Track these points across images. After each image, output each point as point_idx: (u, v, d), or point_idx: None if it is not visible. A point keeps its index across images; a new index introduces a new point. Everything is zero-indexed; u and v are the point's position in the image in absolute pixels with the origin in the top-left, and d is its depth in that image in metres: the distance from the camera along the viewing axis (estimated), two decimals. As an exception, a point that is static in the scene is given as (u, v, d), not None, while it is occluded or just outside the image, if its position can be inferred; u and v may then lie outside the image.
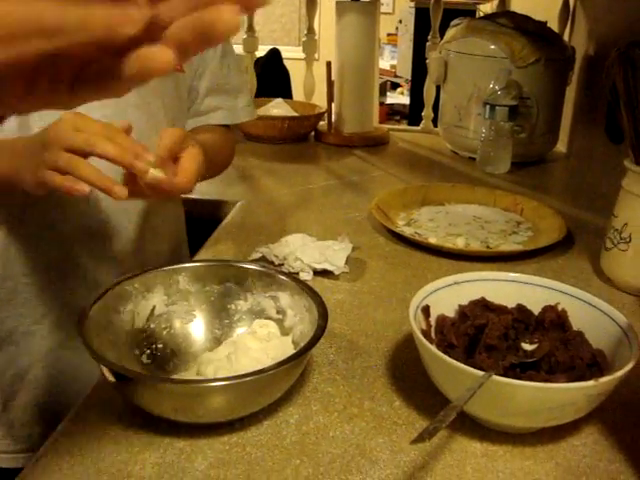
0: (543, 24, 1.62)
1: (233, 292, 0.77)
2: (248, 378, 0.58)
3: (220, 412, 0.62)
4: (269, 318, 0.75)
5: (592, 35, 1.65)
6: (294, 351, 0.68)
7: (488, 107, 1.48)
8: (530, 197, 1.26)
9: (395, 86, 4.89)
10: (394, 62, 4.68)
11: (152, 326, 0.74)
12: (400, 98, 4.69)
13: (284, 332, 0.73)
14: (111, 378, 0.61)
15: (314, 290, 0.72)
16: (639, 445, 0.64)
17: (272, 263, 0.94)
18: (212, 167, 0.93)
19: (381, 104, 3.75)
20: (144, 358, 0.71)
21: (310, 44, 1.93)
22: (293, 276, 0.78)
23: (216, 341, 0.75)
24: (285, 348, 0.69)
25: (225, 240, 1.08)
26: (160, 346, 0.73)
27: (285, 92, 3.36)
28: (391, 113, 4.42)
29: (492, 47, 1.53)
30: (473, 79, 1.57)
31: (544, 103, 1.56)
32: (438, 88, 1.78)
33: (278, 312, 0.75)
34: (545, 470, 0.60)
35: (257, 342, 0.70)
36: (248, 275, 0.77)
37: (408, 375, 0.73)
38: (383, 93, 4.53)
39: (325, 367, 0.74)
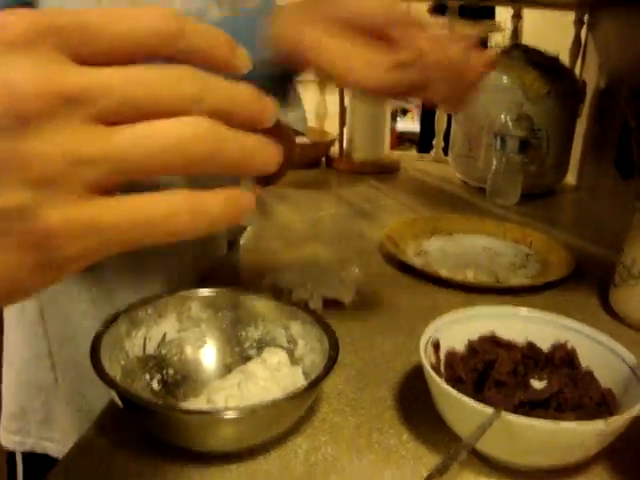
0: (554, 58, 1.63)
1: (244, 319, 0.77)
2: (260, 409, 0.59)
3: (230, 442, 0.62)
4: (279, 346, 0.75)
5: (603, 69, 1.67)
6: (304, 381, 0.68)
7: (499, 139, 1.49)
8: (539, 230, 1.27)
9: (404, 111, 4.92)
10: (405, 88, 4.71)
11: (163, 352, 0.74)
12: (409, 123, 4.71)
13: (294, 362, 0.74)
14: (120, 404, 0.61)
15: (325, 321, 0.73)
16: (647, 486, 0.64)
17: (281, 290, 0.95)
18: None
19: (391, 130, 3.77)
20: (154, 384, 0.72)
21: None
22: (304, 306, 0.78)
23: (227, 368, 0.75)
24: (295, 378, 0.69)
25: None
26: (171, 372, 0.73)
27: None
28: (401, 140, 4.45)
29: (504, 78, 1.54)
30: (485, 110, 1.58)
31: (555, 135, 1.58)
32: (449, 117, 1.80)
33: (289, 341, 0.75)
34: (553, 509, 0.60)
35: (267, 371, 0.70)
36: (258, 302, 0.77)
37: (416, 407, 0.73)
38: (393, 118, 4.56)
39: (334, 397, 0.74)
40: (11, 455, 0.99)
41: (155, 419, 0.61)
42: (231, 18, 0.72)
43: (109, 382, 0.61)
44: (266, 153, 0.29)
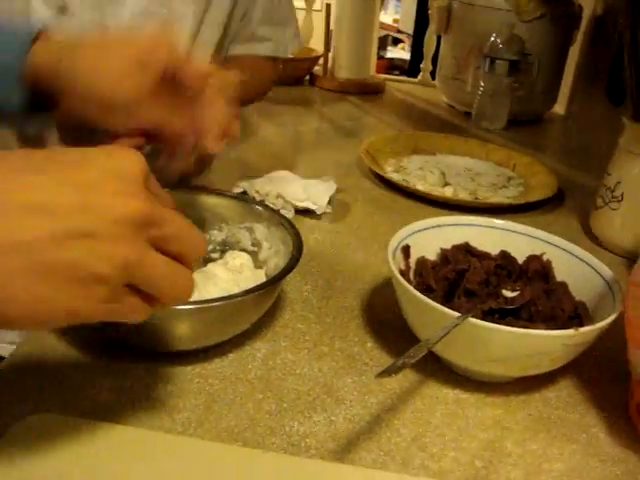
0: (552, -22, 1.56)
1: (208, 222, 0.74)
2: (213, 304, 0.56)
3: (184, 340, 0.60)
4: (244, 250, 0.72)
5: (601, -6, 1.60)
6: (266, 283, 0.65)
7: (488, 60, 1.43)
8: (524, 154, 1.23)
9: (396, 41, 4.80)
10: (397, 17, 4.59)
11: None
12: (401, 53, 4.61)
13: (258, 265, 0.71)
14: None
15: (291, 222, 0.69)
16: (612, 400, 0.62)
17: (253, 199, 0.91)
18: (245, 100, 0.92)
19: (381, 57, 3.68)
20: None
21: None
22: (270, 207, 0.75)
23: None
24: (257, 280, 0.66)
25: (207, 173, 1.05)
26: None
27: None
28: (391, 67, 4.34)
29: (497, -3, 1.48)
30: (475, 31, 1.52)
31: (546, 61, 1.52)
32: (439, 41, 1.73)
33: (253, 244, 0.72)
34: (515, 419, 0.58)
35: (228, 273, 0.67)
36: (223, 205, 0.74)
37: (383, 318, 0.71)
38: (384, 47, 4.45)
39: (298, 304, 0.72)
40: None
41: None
42: None
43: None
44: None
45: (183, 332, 0.59)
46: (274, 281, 0.60)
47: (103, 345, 0.62)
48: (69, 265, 0.35)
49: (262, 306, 0.63)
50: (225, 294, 0.63)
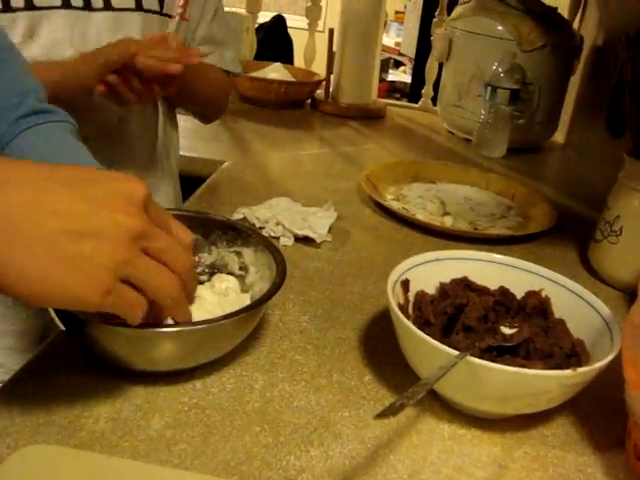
0: (553, 9, 1.58)
1: (199, 244, 0.74)
2: (194, 327, 0.57)
3: (163, 361, 0.60)
4: (231, 274, 0.73)
5: (602, 26, 1.62)
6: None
7: (489, 89, 1.45)
8: (523, 184, 1.24)
9: (398, 64, 4.83)
10: (399, 40, 4.62)
11: None
12: (402, 76, 4.64)
13: (244, 289, 0.71)
14: (60, 324, 0.59)
15: (276, 247, 0.70)
16: (609, 439, 0.62)
17: (253, 225, 0.92)
18: (204, 95, 1.09)
19: (382, 80, 3.70)
20: None
21: (314, 10, 1.89)
22: (257, 232, 0.75)
23: None
24: (241, 304, 0.66)
25: (208, 198, 1.05)
26: None
27: (287, 59, 3.30)
28: (392, 90, 4.37)
29: (499, 28, 1.49)
30: (476, 59, 1.53)
31: (546, 90, 1.53)
32: (440, 67, 1.74)
33: (241, 268, 0.73)
34: (512, 458, 0.58)
35: (214, 296, 0.67)
36: (215, 228, 0.74)
37: (381, 351, 0.71)
38: (385, 70, 4.48)
39: (296, 335, 0.72)
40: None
41: (87, 334, 0.59)
42: None
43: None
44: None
45: (164, 353, 0.59)
46: (252, 306, 0.62)
47: (100, 374, 0.62)
48: (78, 256, 0.45)
49: (244, 330, 0.64)
50: (209, 316, 0.63)
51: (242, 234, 0.73)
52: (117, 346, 0.58)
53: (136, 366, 0.60)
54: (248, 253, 0.72)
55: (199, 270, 0.74)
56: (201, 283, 0.72)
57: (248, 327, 0.65)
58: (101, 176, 0.49)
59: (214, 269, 0.74)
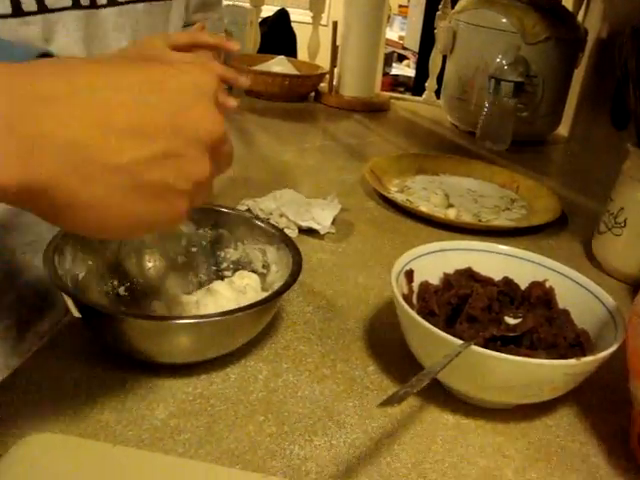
0: (558, 2, 1.57)
1: (225, 240, 0.74)
2: (205, 320, 0.57)
3: (176, 354, 0.61)
4: (254, 271, 0.73)
5: (606, 18, 1.61)
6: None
7: (493, 81, 1.44)
8: (527, 176, 1.24)
9: (402, 58, 4.82)
10: (403, 34, 4.61)
11: (134, 260, 0.71)
12: (406, 70, 4.63)
13: (265, 288, 0.71)
14: (74, 310, 0.58)
15: (296, 246, 0.70)
16: (613, 429, 0.62)
17: (257, 217, 0.92)
18: None
19: (386, 74, 3.70)
20: (121, 290, 0.69)
21: (317, 4, 1.89)
22: (280, 229, 0.75)
23: (199, 285, 0.73)
24: (258, 302, 0.67)
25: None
26: (141, 281, 0.71)
27: (290, 53, 3.30)
28: (395, 84, 4.36)
29: (503, 20, 1.49)
30: (480, 52, 1.52)
31: (550, 83, 1.53)
32: (444, 60, 1.74)
33: (264, 266, 0.73)
34: (516, 447, 0.58)
35: (232, 292, 0.67)
36: (241, 224, 0.74)
37: (385, 341, 0.71)
38: (389, 64, 4.48)
39: (300, 325, 0.72)
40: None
41: (102, 323, 0.59)
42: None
43: (61, 288, 0.57)
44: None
45: (176, 345, 0.59)
46: (265, 301, 0.61)
47: (106, 364, 0.62)
48: (160, 184, 0.40)
49: (258, 324, 0.64)
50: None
51: (267, 232, 0.73)
52: (135, 338, 0.59)
53: (153, 358, 0.61)
54: (271, 251, 0.72)
55: (224, 266, 0.74)
56: (222, 279, 0.72)
57: (263, 321, 0.65)
58: (167, 71, 0.42)
59: (238, 265, 0.74)
